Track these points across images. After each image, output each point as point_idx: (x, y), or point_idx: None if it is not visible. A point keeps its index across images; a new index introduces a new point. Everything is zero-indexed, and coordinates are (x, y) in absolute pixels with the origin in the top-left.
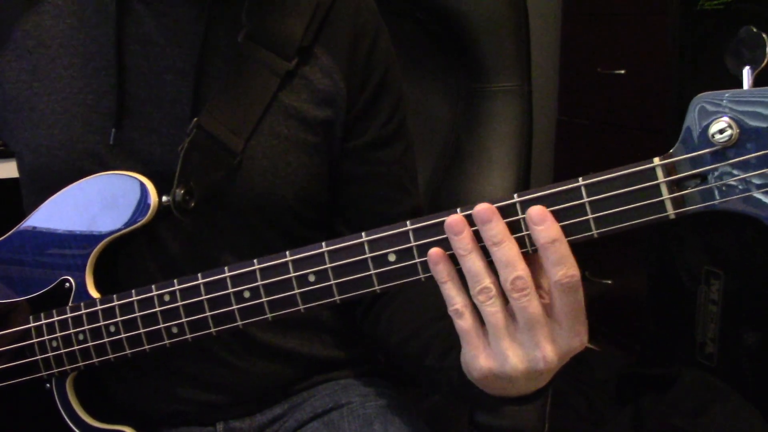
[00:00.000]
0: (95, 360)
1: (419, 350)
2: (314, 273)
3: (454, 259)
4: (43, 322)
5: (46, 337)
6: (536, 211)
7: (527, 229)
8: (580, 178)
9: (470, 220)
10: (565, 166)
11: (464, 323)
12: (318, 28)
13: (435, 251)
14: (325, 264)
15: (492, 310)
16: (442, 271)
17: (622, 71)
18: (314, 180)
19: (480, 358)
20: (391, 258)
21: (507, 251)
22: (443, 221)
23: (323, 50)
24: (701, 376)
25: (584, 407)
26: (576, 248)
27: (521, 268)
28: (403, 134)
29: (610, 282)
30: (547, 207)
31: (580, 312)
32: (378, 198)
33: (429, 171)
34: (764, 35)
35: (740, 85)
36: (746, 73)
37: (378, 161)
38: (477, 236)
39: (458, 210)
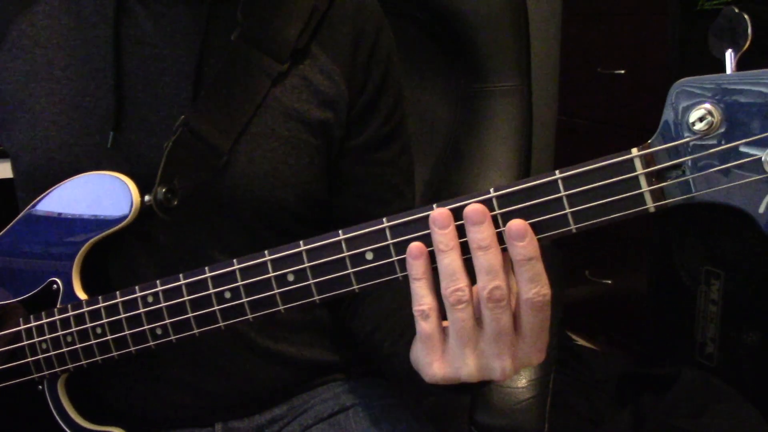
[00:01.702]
0: (83, 362)
1: (380, 338)
2: (293, 272)
3: (431, 259)
4: (33, 324)
5: (36, 339)
6: (517, 226)
7: (503, 225)
8: (557, 171)
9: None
10: (565, 166)
11: (428, 326)
12: (314, 30)
13: (416, 245)
14: (304, 263)
15: (462, 315)
16: (418, 267)
17: (622, 71)
18: (315, 181)
19: (434, 365)
20: (369, 256)
21: (492, 258)
22: (419, 218)
23: (322, 52)
24: (701, 376)
25: (584, 407)
26: (576, 248)
27: (502, 278)
28: (400, 135)
29: (610, 282)
30: (524, 201)
31: (545, 329)
32: (370, 199)
33: (429, 171)
34: (746, 16)
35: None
36: (729, 57)
37: (373, 161)
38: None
39: (434, 205)
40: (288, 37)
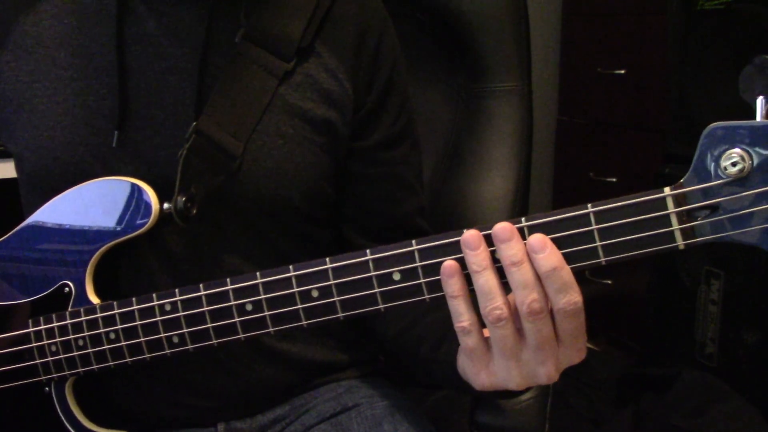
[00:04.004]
0: (95, 366)
1: (414, 341)
2: (317, 289)
3: (466, 280)
4: (43, 327)
5: (45, 342)
6: (536, 239)
7: None
8: (589, 205)
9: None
10: (565, 166)
11: (471, 341)
12: (318, 28)
13: (450, 264)
14: (329, 280)
15: (503, 333)
16: (454, 285)
17: (622, 71)
18: (321, 179)
19: (482, 375)
20: (396, 277)
21: (525, 273)
22: (449, 242)
23: (327, 50)
24: (701, 376)
25: (584, 407)
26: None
27: (538, 291)
28: (410, 132)
29: (610, 282)
30: (555, 233)
31: (581, 332)
32: (383, 197)
33: (429, 171)
34: None
35: (745, 104)
36: (760, 104)
37: (385, 161)
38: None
39: (464, 231)
40: (292, 35)
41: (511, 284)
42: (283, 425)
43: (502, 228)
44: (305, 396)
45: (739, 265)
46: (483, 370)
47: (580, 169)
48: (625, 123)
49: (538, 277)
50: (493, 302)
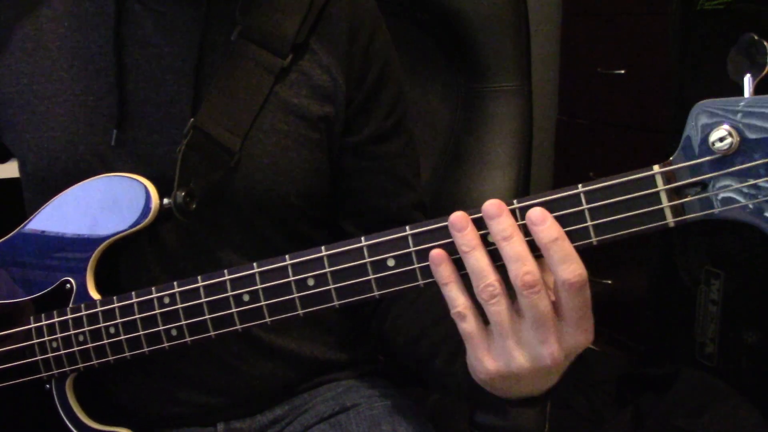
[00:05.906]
0: (95, 362)
1: (427, 352)
2: (313, 277)
3: (455, 263)
4: (44, 323)
5: (46, 338)
6: (536, 212)
7: (527, 236)
8: (580, 185)
9: (473, 221)
10: (565, 166)
11: (467, 326)
12: (313, 25)
13: (437, 252)
14: (325, 268)
15: (497, 309)
16: (444, 272)
17: (622, 71)
18: (316, 176)
19: (485, 361)
20: (390, 263)
21: (516, 246)
22: (442, 226)
23: (320, 46)
24: (701, 376)
25: (584, 407)
26: (575, 247)
27: (531, 263)
28: (404, 128)
29: (610, 282)
30: None
31: (587, 309)
32: (379, 192)
33: (429, 171)
34: (765, 43)
35: (741, 92)
36: (747, 81)
37: (379, 155)
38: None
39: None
40: (287, 32)
41: (504, 259)
42: (283, 425)
43: (491, 204)
44: (304, 396)
45: (739, 265)
46: (485, 355)
47: (580, 169)
48: (625, 123)
49: (531, 251)
50: (485, 280)
